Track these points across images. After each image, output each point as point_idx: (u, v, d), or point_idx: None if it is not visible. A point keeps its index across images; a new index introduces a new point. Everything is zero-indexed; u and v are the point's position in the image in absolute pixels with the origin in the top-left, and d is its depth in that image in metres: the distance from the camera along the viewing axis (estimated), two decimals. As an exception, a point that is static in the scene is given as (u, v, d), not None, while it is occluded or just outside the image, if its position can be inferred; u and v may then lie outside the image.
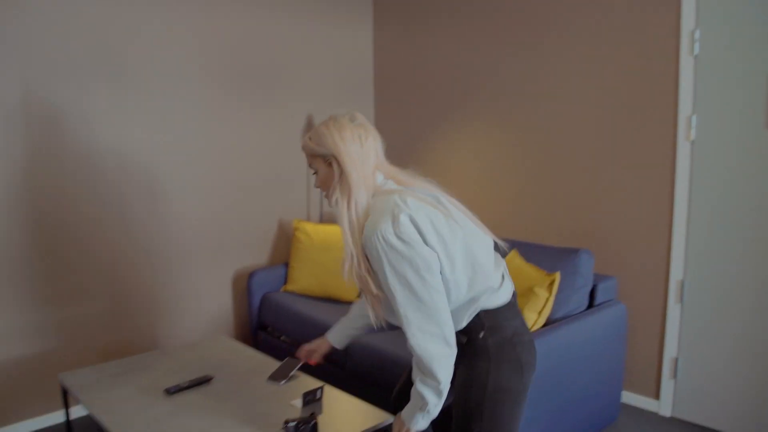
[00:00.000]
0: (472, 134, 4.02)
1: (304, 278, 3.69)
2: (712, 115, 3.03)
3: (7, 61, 2.88)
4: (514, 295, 1.94)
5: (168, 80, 3.44)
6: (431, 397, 1.76)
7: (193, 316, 3.71)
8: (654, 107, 3.20)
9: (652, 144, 3.22)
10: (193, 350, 2.86)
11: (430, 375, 1.72)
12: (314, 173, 1.88)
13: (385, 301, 1.82)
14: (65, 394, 2.63)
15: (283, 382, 2.46)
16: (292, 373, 2.50)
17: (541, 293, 2.61)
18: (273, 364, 2.67)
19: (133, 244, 3.40)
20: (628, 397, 3.46)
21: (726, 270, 3.06)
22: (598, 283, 3.04)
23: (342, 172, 1.78)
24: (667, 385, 3.30)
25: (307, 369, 3.25)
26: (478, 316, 1.82)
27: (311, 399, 2.26)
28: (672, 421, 3.26)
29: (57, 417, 3.26)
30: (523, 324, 1.92)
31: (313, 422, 2.03)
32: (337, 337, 2.34)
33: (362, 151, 1.79)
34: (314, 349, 2.40)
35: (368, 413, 2.24)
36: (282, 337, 3.54)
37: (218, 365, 2.67)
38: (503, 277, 1.92)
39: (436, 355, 1.71)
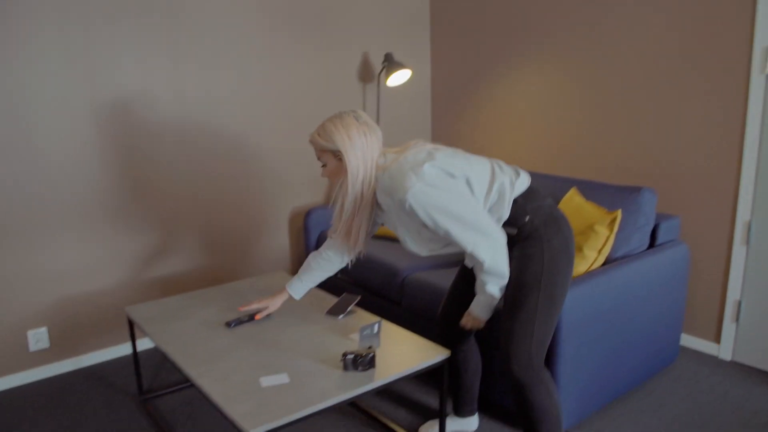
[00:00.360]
0: (531, 71, 3.90)
1: (359, 217, 3.69)
2: (791, 46, 2.85)
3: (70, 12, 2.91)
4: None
5: (224, 18, 3.42)
6: (498, 292, 2.09)
7: (251, 254, 3.78)
8: (727, 37, 3.02)
9: (723, 76, 3.06)
10: (252, 285, 2.92)
11: (498, 275, 2.03)
12: (323, 165, 2.11)
13: (418, 237, 2.10)
14: (132, 326, 2.75)
15: (341, 316, 2.50)
16: (349, 308, 2.54)
17: (602, 231, 2.55)
18: (330, 300, 2.72)
19: (192, 182, 3.46)
20: (688, 340, 3.40)
21: (798, 210, 2.93)
22: (661, 222, 2.95)
23: (349, 166, 2.02)
24: (728, 329, 3.23)
25: (363, 304, 3.31)
26: (516, 203, 2.06)
27: (369, 333, 2.29)
28: (732, 365, 3.20)
29: (124, 349, 3.41)
30: (554, 202, 2.19)
31: (371, 355, 2.06)
32: (300, 291, 2.47)
33: (366, 146, 2.03)
34: (271, 304, 2.51)
35: (425, 347, 2.26)
36: (338, 275, 3.59)
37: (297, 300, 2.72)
38: (516, 170, 2.15)
39: (498, 257, 2.00)
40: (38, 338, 3.10)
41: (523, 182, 2.10)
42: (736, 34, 2.98)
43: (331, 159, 2.07)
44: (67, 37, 2.94)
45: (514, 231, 2.07)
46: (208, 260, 3.62)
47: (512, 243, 2.10)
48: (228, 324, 2.43)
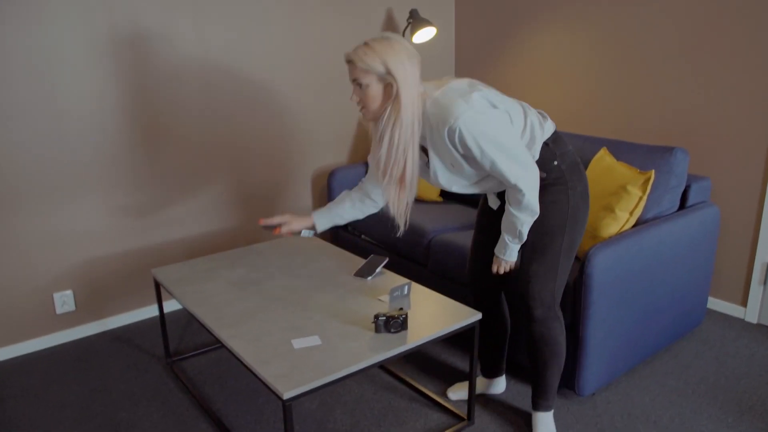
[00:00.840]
0: (558, 29, 3.81)
1: (382, 178, 3.66)
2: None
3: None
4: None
5: (242, -24, 3.35)
6: (527, 231, 2.05)
7: (275, 214, 3.74)
8: (764, -7, 2.92)
9: (757, 33, 2.96)
10: (278, 247, 2.91)
11: (532, 211, 2.00)
12: (358, 86, 1.93)
13: (452, 170, 2.03)
14: (158, 288, 2.75)
15: (369, 277, 2.48)
16: (378, 269, 2.52)
17: (634, 192, 2.51)
18: (358, 261, 2.70)
19: (215, 140, 3.43)
20: (714, 303, 3.37)
21: (833, 171, 2.87)
22: (691, 183, 2.90)
23: (397, 95, 1.88)
24: (755, 292, 3.19)
25: (391, 266, 3.30)
26: (545, 146, 2.05)
27: (399, 295, 2.28)
28: (758, 327, 3.18)
29: (149, 311, 3.42)
30: (572, 149, 2.17)
31: (403, 317, 2.05)
32: (324, 222, 2.35)
33: (414, 72, 1.89)
34: (295, 221, 2.33)
35: (455, 309, 2.24)
36: (363, 236, 3.57)
37: (304, 262, 2.71)
38: (542, 113, 2.14)
39: (535, 192, 1.97)
40: (64, 301, 3.11)
41: (550, 127, 2.09)
42: (775, -12, 2.88)
43: (375, 83, 1.90)
44: (86, -5, 2.89)
45: (543, 174, 2.06)
46: (232, 221, 3.60)
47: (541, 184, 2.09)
48: (257, 284, 2.43)
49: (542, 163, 2.06)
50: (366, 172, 3.80)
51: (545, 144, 2.06)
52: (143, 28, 3.07)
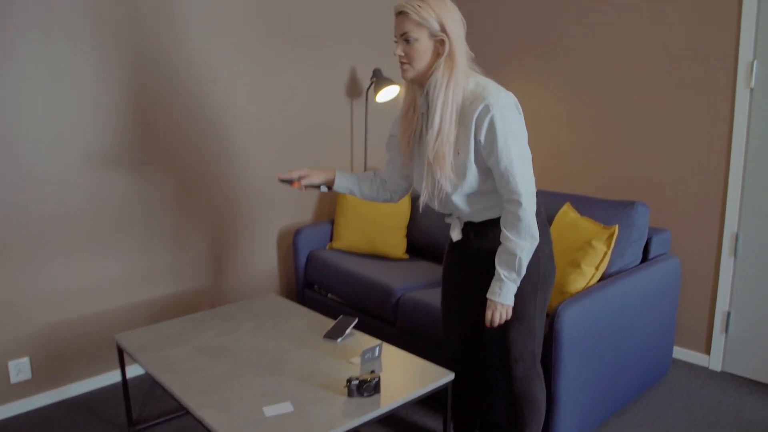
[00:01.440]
0: (522, 87, 3.92)
1: (350, 235, 3.67)
2: (775, 61, 2.90)
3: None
4: None
5: (213, 39, 3.38)
6: (527, 260, 1.95)
7: (240, 275, 3.72)
8: (713, 52, 3.07)
9: (710, 91, 3.10)
10: (244, 309, 2.86)
11: (531, 236, 1.93)
12: (405, 41, 1.87)
13: (461, 169, 1.96)
14: (121, 354, 2.67)
15: (339, 339, 2.46)
16: (347, 331, 2.50)
17: (599, 247, 2.56)
18: (326, 322, 2.67)
19: (182, 202, 3.40)
20: (679, 352, 3.43)
21: (785, 221, 2.98)
22: (652, 236, 2.97)
23: (451, 52, 1.86)
24: (718, 340, 3.25)
25: (360, 326, 3.27)
26: None
27: (370, 357, 2.25)
28: (722, 375, 3.23)
29: (111, 377, 3.31)
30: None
31: (375, 380, 2.02)
32: (343, 182, 2.26)
33: (464, 36, 1.89)
34: (314, 174, 2.24)
35: (427, 370, 2.23)
36: (329, 295, 3.54)
37: (273, 323, 2.67)
38: None
39: (533, 212, 1.93)
40: (20, 369, 2.99)
41: None
42: (722, 50, 3.03)
43: (426, 38, 1.85)
44: (52, 52, 2.87)
45: None
46: (198, 282, 3.55)
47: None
48: (226, 349, 2.38)
49: None
50: (332, 229, 3.81)
51: None
52: (97, 94, 3.06)
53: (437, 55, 1.88)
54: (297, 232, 3.71)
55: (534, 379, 2.19)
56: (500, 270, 1.99)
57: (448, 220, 2.20)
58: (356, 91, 4.12)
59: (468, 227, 2.14)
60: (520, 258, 1.94)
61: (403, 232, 3.67)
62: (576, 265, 2.57)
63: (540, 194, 3.13)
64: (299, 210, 3.96)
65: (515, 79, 3.90)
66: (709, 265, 3.24)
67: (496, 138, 1.87)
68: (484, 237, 2.10)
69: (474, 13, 4.04)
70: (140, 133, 3.21)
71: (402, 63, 1.91)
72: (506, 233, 1.96)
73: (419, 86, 1.99)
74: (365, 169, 4.22)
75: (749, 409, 2.89)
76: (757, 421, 2.78)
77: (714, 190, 3.16)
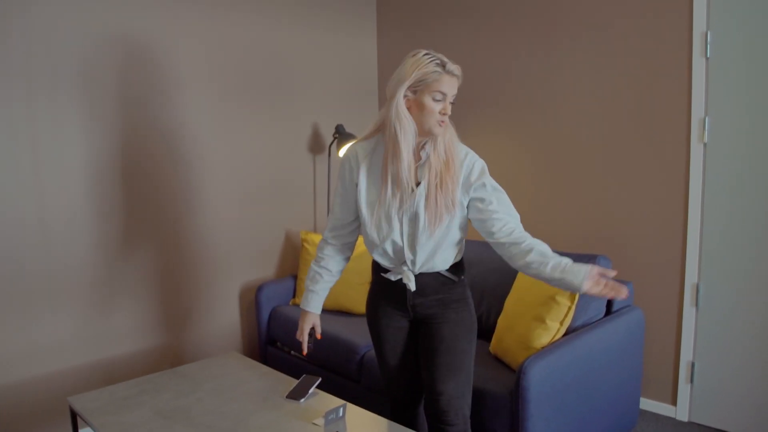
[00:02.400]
0: (481, 141, 3.97)
1: (312, 291, 3.61)
2: (726, 117, 3.00)
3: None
4: None
5: (175, 95, 3.37)
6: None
7: (201, 332, 3.63)
8: (667, 110, 3.16)
9: (665, 147, 3.19)
10: (204, 368, 2.78)
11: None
12: (450, 103, 2.05)
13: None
14: (74, 418, 2.55)
15: (302, 400, 2.40)
16: (311, 390, 2.44)
17: (563, 302, 2.56)
18: (289, 381, 2.61)
19: (139, 257, 3.33)
20: (646, 404, 3.42)
21: (740, 272, 3.03)
22: (615, 288, 2.99)
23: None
24: (683, 390, 3.26)
25: (324, 384, 3.20)
26: (461, 258, 2.22)
27: (334, 417, 2.20)
28: (689, 425, 3.23)
29: (63, 441, 3.18)
30: None
31: (339, 443, 1.97)
32: (317, 306, 2.36)
33: None
34: (313, 328, 2.38)
35: (390, 430, 2.18)
36: (292, 352, 3.47)
37: (234, 383, 2.60)
38: None
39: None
40: (-34, 436, 2.85)
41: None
42: (675, 107, 3.13)
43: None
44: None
45: (455, 279, 2.19)
46: (156, 341, 3.45)
47: (443, 303, 2.17)
48: (185, 412, 2.30)
49: (457, 269, 2.20)
50: (295, 285, 3.76)
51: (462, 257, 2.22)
52: (52, 150, 3.02)
53: None
54: (259, 288, 3.65)
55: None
56: (564, 264, 2.00)
57: (394, 272, 2.21)
58: (319, 146, 4.14)
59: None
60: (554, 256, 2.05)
61: (367, 287, 3.63)
62: (541, 320, 2.57)
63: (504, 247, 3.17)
64: (262, 265, 3.91)
65: (479, 133, 3.95)
66: (671, 316, 3.27)
67: (485, 184, 2.11)
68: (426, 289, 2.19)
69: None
70: (99, 187, 3.16)
71: (443, 122, 2.05)
72: (535, 244, 2.08)
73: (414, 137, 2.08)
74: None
75: (717, 461, 2.88)
76: (724, 474, 2.78)
77: (673, 242, 3.21)
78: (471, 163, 2.12)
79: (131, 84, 3.22)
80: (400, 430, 2.18)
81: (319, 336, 2.40)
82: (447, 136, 2.09)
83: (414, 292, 2.18)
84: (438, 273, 2.16)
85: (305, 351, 2.36)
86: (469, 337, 2.18)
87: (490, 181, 2.13)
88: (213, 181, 3.61)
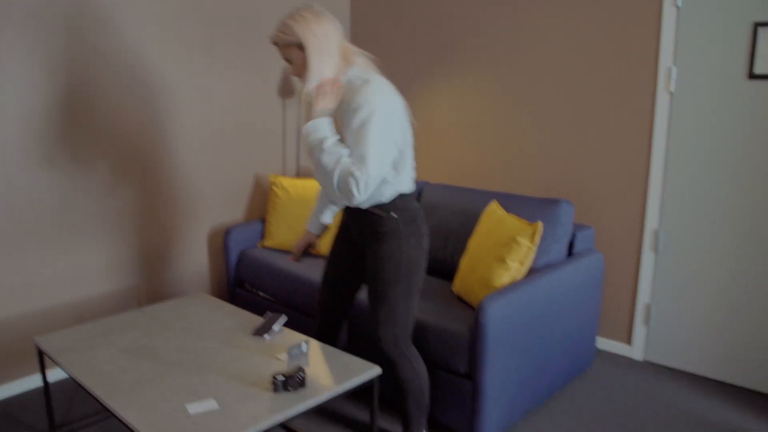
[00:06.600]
0: (451, 87, 3.98)
1: (281, 233, 3.65)
2: (693, 67, 3.04)
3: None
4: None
5: (147, 38, 3.30)
6: (320, 155, 2.10)
7: (170, 274, 3.66)
8: (634, 58, 3.19)
9: (632, 95, 3.22)
10: (173, 309, 2.81)
11: (340, 184, 2.08)
12: (290, 63, 2.18)
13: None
14: (42, 357, 2.58)
15: (267, 336, 2.44)
16: (275, 328, 2.49)
17: (524, 243, 2.62)
18: (256, 320, 2.66)
19: (108, 199, 3.31)
20: (604, 344, 3.54)
21: (700, 220, 3.12)
22: (577, 232, 3.07)
23: (310, 55, 2.11)
24: (639, 331, 3.38)
25: (290, 323, 3.26)
26: (396, 197, 2.25)
27: (297, 352, 2.25)
28: (644, 364, 3.36)
29: (32, 382, 3.20)
30: (419, 205, 2.41)
31: (301, 375, 2.03)
32: (314, 226, 2.66)
33: (325, 33, 2.12)
34: (305, 245, 2.68)
35: (354, 365, 2.24)
36: (260, 293, 3.52)
37: (200, 323, 2.63)
38: (414, 170, 2.38)
39: (363, 192, 2.06)
40: (-66, 374, 2.87)
41: (412, 185, 2.33)
42: (643, 55, 3.15)
43: (297, 53, 2.13)
44: None
45: (383, 214, 2.26)
46: (125, 282, 3.46)
47: (375, 236, 2.29)
48: (154, 349, 2.34)
49: (386, 207, 2.26)
50: (263, 228, 3.78)
51: (396, 196, 2.26)
52: (22, 88, 2.96)
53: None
54: (228, 231, 3.67)
55: (402, 363, 2.35)
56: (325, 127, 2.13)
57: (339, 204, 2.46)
58: (288, 91, 4.10)
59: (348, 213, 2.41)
60: (323, 150, 2.10)
61: (334, 230, 3.67)
62: (501, 260, 2.63)
63: (469, 192, 3.22)
64: (230, 208, 3.92)
65: (446, 80, 3.95)
66: (631, 260, 3.36)
67: (359, 117, 2.09)
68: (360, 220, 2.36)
69: (406, 12, 4.09)
70: (68, 128, 3.11)
71: (300, 79, 2.19)
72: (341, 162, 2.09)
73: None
74: (298, 171, 4.22)
75: (667, 394, 3.02)
76: (673, 404, 2.92)
77: (635, 188, 3.28)
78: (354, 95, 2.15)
79: (101, 23, 3.14)
80: (362, 364, 2.24)
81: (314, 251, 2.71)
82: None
83: (352, 223, 2.39)
84: (367, 210, 2.29)
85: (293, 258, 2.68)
86: (395, 269, 2.27)
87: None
88: (182, 124, 3.57)
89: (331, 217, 2.66)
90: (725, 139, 2.99)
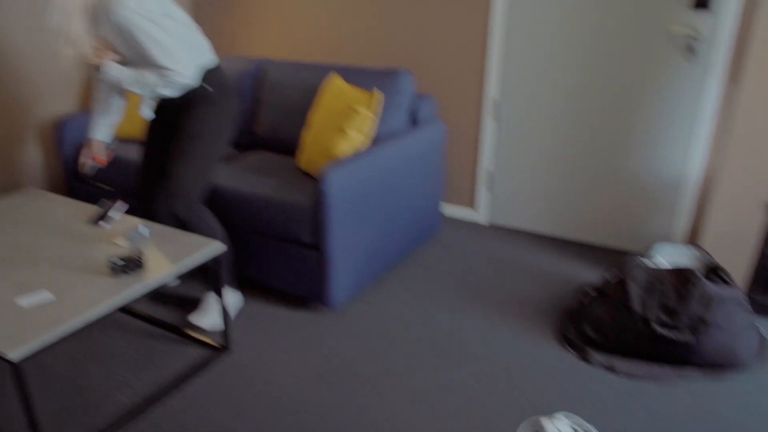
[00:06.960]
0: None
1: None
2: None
3: None
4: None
5: None
6: (129, 84, 2.29)
7: (-3, 174, 3.38)
8: None
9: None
10: (1, 205, 2.63)
11: (155, 85, 2.30)
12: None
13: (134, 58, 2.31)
14: None
15: (102, 222, 2.36)
16: (111, 214, 2.40)
17: (362, 111, 2.64)
18: (93, 210, 2.54)
19: None
20: (450, 210, 3.72)
21: (539, 89, 3.24)
22: (420, 102, 3.12)
23: None
24: (483, 197, 3.58)
25: (132, 212, 3.16)
26: (205, 74, 2.42)
27: (134, 236, 2.20)
28: (489, 227, 3.58)
29: None
30: (229, 78, 2.56)
31: (138, 257, 1.99)
32: (102, 133, 2.63)
33: None
34: (93, 152, 2.62)
35: (196, 243, 2.22)
36: (99, 184, 3.35)
37: (33, 217, 2.49)
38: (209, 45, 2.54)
39: (177, 79, 2.27)
40: None
41: (214, 59, 2.49)
42: None
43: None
44: None
45: (199, 89, 2.42)
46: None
47: (188, 104, 2.44)
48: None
49: (202, 81, 2.42)
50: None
51: (206, 72, 2.43)
52: None
53: None
54: (63, 123, 3.39)
55: (195, 222, 2.47)
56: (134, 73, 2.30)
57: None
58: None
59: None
60: (121, 80, 2.29)
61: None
62: (340, 130, 2.65)
63: (311, 67, 3.17)
64: (62, 97, 3.62)
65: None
66: (472, 130, 3.49)
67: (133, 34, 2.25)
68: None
69: None
70: None
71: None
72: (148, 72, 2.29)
73: None
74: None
75: (507, 251, 3.27)
76: (510, 259, 3.17)
77: (476, 59, 3.35)
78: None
79: None
80: (203, 242, 2.23)
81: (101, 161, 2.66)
82: None
83: (167, 105, 2.55)
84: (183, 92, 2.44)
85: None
86: (200, 126, 2.42)
87: None
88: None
89: (149, 112, 2.66)
90: (563, 10, 3.05)
